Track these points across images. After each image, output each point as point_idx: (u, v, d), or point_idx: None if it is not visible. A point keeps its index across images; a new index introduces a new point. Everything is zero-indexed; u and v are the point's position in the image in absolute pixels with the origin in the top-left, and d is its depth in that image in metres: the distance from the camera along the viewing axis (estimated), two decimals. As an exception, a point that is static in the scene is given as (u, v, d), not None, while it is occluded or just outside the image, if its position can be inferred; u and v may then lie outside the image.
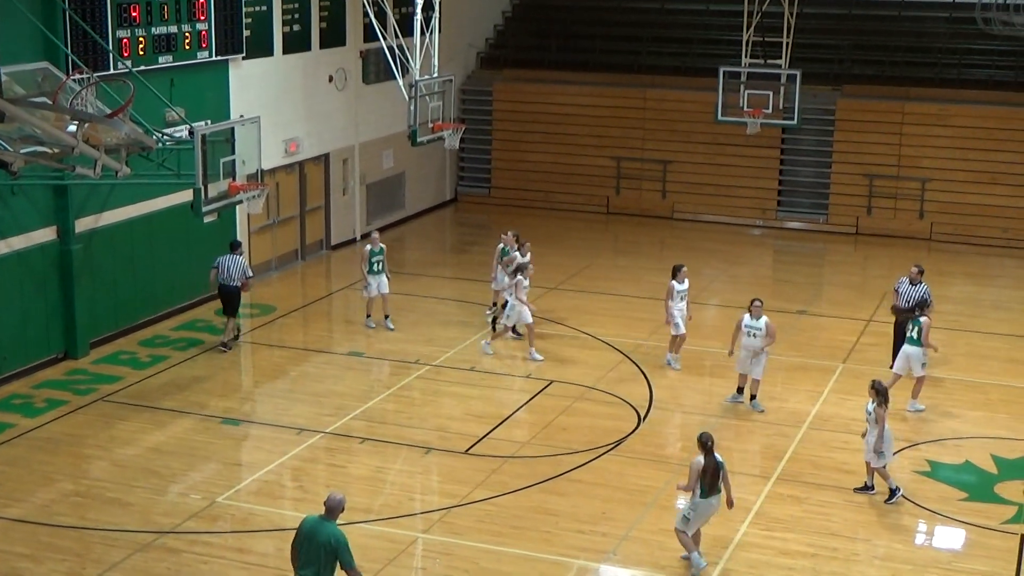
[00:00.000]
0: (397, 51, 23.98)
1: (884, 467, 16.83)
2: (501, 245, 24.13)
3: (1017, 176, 31.44)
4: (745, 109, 29.30)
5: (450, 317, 24.30)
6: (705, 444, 14.51)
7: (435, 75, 24.41)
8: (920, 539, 16.19)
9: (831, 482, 17.42)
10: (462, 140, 27.64)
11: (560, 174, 35.00)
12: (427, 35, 23.90)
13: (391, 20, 25.14)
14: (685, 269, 21.97)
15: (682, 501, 15.42)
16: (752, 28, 29.15)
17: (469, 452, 18.29)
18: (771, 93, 29.18)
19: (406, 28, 24.56)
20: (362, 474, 17.63)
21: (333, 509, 12.27)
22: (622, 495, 16.93)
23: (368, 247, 23.67)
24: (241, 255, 22.77)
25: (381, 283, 23.64)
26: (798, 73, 28.93)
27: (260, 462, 17.92)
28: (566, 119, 34.96)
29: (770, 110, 29.20)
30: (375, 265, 23.58)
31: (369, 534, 15.61)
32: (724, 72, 29.58)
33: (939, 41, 33.72)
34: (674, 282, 21.73)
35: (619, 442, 18.65)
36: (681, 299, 21.82)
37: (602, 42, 36.41)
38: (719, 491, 14.58)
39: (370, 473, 17.66)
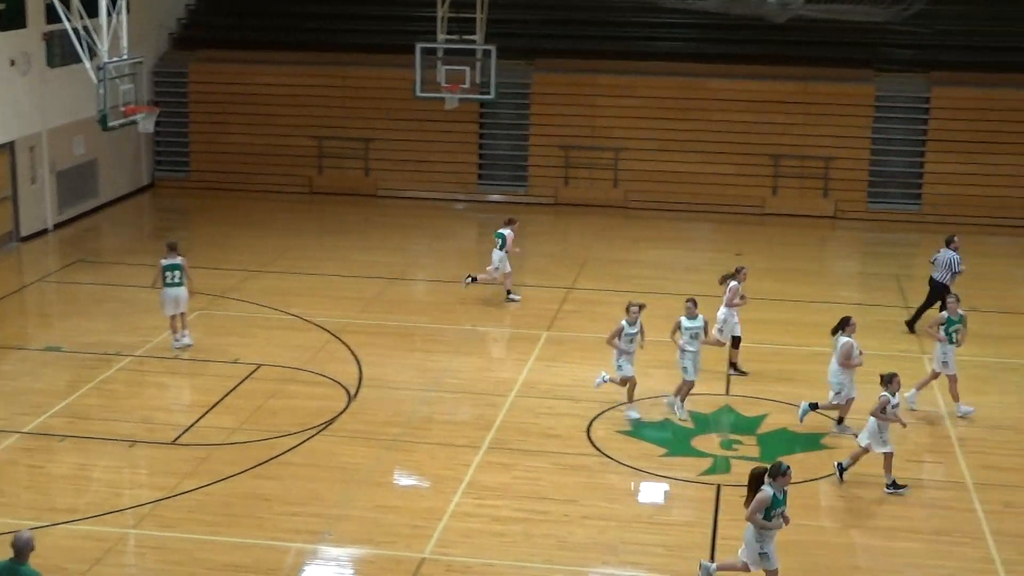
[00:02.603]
0: (83, 32, 23.10)
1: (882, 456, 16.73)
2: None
3: (703, 143, 32.89)
4: (443, 85, 29.61)
5: (151, 306, 23.62)
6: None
7: (124, 57, 23.68)
8: (624, 496, 16.79)
9: (539, 448, 17.86)
10: (157, 123, 26.97)
11: (261, 155, 34.53)
12: (114, 15, 23.13)
13: (75, 0, 24.20)
14: (690, 304, 19.23)
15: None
16: (447, 4, 29.44)
17: (176, 442, 17.89)
18: (468, 68, 29.59)
19: (92, 8, 23.69)
20: (64, 473, 17.01)
21: (22, 550, 11.37)
22: (335, 474, 16.91)
23: (162, 260, 21.52)
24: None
25: (180, 298, 21.49)
26: (493, 48, 29.41)
27: (-48, 468, 17.05)
28: (266, 99, 34.50)
29: (467, 85, 29.61)
30: (169, 278, 21.35)
31: (75, 535, 15.09)
32: (421, 49, 29.80)
33: (626, 15, 34.86)
34: (682, 317, 19.16)
35: (330, 422, 18.61)
36: (692, 336, 19.04)
37: (299, 20, 36.08)
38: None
39: (73, 471, 17.05)
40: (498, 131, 34.34)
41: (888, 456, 16.51)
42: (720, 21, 32.92)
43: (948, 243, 23.14)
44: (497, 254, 24.30)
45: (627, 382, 18.84)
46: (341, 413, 19.01)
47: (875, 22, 30.90)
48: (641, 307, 18.91)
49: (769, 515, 13.35)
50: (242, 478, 16.73)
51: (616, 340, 18.69)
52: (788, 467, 13.48)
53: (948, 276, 22.85)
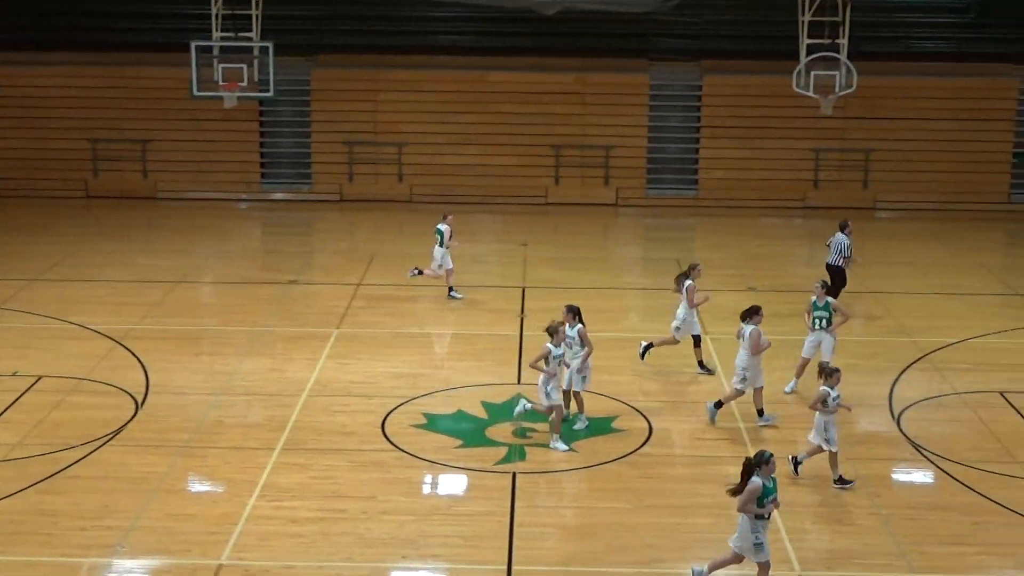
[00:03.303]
0: None
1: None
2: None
3: (486, 136, 33.21)
4: (220, 83, 29.14)
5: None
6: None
7: None
8: (422, 489, 16.86)
9: (334, 446, 17.77)
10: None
11: (34, 159, 33.43)
12: None
13: None
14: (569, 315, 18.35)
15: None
16: (220, 1, 28.97)
17: (-45, 461, 17.17)
18: (245, 66, 29.17)
19: None
20: None
21: None
22: (125, 485, 16.49)
23: None
24: None
25: None
26: (271, 45, 29.08)
27: None
28: (36, 101, 33.41)
29: (246, 83, 29.20)
30: None
31: None
32: (196, 47, 29.24)
33: (405, 10, 34.89)
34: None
35: (117, 431, 18.13)
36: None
37: (70, 19, 34.95)
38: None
39: None
40: (280, 129, 34.01)
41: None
42: (499, 15, 33.26)
43: (842, 228, 23.97)
44: (438, 251, 24.28)
45: (552, 411, 17.64)
46: (129, 422, 18.54)
47: (640, 12, 31.70)
48: (561, 324, 17.86)
49: (762, 503, 13.52)
50: (27, 494, 16.15)
51: (542, 364, 17.51)
52: (771, 455, 13.65)
53: (839, 260, 23.72)
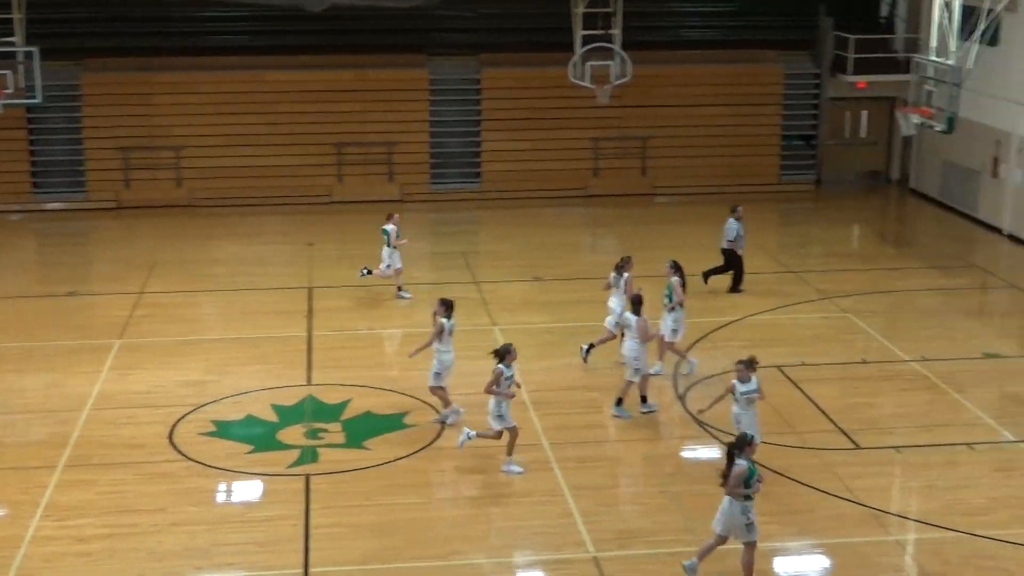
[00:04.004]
0: None
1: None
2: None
3: (266, 136, 32.73)
4: (-18, 90, 28.00)
5: None
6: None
7: None
8: (214, 498, 16.56)
9: (122, 459, 17.32)
10: None
11: None
12: None
13: None
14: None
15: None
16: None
17: None
18: (10, 72, 28.10)
19: None
20: None
21: None
22: None
23: None
24: None
25: None
26: (36, 49, 28.09)
27: None
28: None
29: (11, 89, 28.14)
30: None
31: None
32: (-44, 54, 28.04)
33: (175, 10, 34.10)
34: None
35: None
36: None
37: None
38: None
39: None
40: (50, 136, 32.82)
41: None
42: (271, 13, 32.82)
43: (732, 211, 24.56)
44: (385, 251, 23.97)
45: (501, 435, 16.90)
46: None
47: (407, 7, 31.77)
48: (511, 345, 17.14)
49: (749, 484, 13.64)
50: None
51: (495, 387, 16.68)
52: (752, 437, 13.98)
53: (726, 243, 24.41)
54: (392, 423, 18.49)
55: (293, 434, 18.18)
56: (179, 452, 17.53)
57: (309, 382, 20.21)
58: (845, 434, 18.10)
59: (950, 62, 26.28)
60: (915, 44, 33.05)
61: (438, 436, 17.94)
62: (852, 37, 33.38)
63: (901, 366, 20.99)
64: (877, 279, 26.08)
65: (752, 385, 16.36)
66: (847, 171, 35.55)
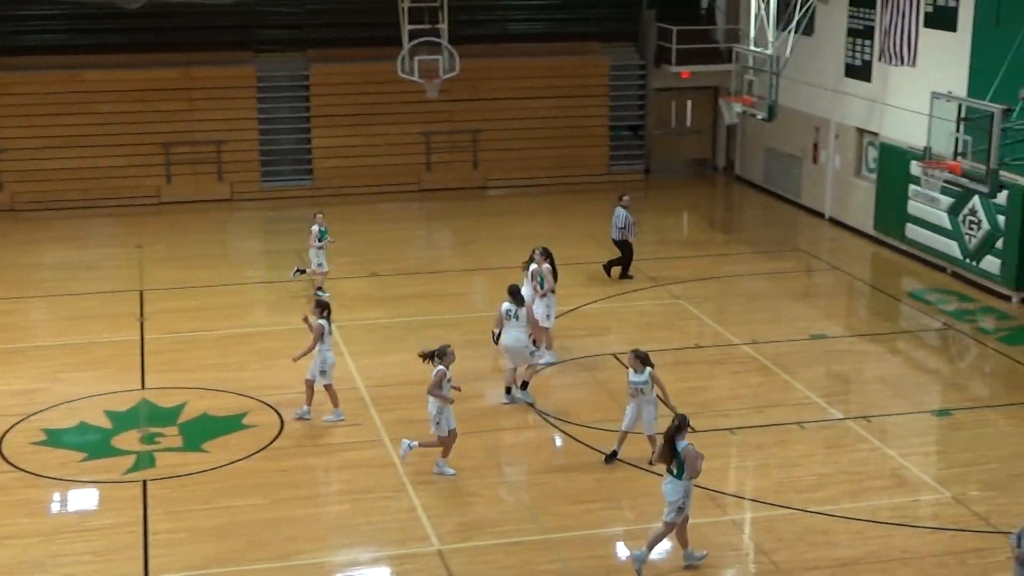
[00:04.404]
0: None
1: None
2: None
3: (90, 137, 31.94)
4: None
5: None
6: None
7: None
8: (48, 508, 16.15)
9: (-53, 473, 16.79)
10: None
11: None
12: None
13: None
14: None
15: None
16: None
17: None
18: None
19: None
20: None
21: None
22: None
23: None
24: None
25: None
26: None
27: None
28: None
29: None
30: None
31: None
32: None
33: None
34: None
35: None
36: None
37: None
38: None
39: None
40: None
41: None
42: (88, 11, 32.04)
43: (619, 200, 24.91)
44: (312, 251, 23.78)
45: (444, 441, 16.54)
46: None
47: (231, 3, 31.40)
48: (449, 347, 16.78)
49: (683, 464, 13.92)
50: None
51: (438, 390, 16.31)
52: (685, 416, 14.20)
53: (615, 231, 24.78)
54: (231, 424, 18.26)
55: (128, 440, 17.83)
56: (8, 463, 17.04)
57: (143, 386, 19.84)
58: (680, 417, 18.49)
59: (768, 52, 27.11)
60: (735, 35, 33.86)
61: (278, 435, 17.79)
62: (674, 28, 34.04)
63: (733, 349, 21.54)
64: (707, 265, 26.69)
65: (644, 377, 16.56)
66: (674, 160, 36.28)
